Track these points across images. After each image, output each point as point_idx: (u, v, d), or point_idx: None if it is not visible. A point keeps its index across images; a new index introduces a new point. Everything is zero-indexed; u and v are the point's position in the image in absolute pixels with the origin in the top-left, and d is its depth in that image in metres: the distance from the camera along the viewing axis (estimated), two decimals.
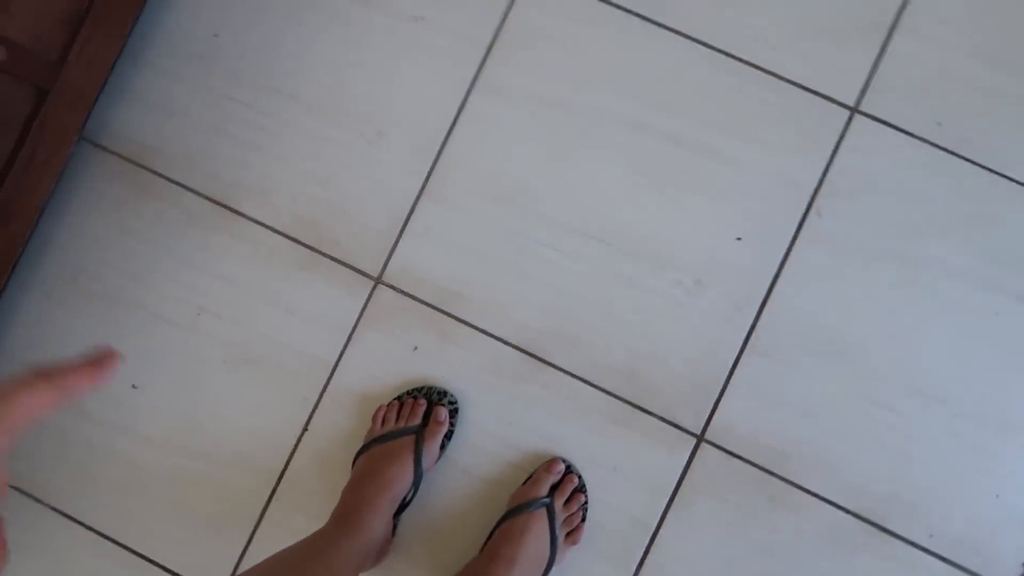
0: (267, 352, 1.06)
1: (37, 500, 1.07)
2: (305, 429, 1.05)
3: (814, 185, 1.02)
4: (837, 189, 1.02)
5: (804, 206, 1.02)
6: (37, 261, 1.10)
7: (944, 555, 0.97)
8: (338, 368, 1.05)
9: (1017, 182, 1.00)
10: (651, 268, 1.03)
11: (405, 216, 1.06)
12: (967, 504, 0.98)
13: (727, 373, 1.01)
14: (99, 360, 0.39)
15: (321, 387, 1.05)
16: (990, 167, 1.00)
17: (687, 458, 1.01)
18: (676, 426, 1.01)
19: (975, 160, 1.00)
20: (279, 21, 1.09)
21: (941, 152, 1.01)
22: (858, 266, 1.01)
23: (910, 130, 1.02)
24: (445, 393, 1.02)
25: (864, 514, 0.98)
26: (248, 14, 1.10)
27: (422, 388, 1.02)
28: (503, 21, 1.07)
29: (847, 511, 0.99)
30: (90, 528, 1.06)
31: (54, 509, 1.07)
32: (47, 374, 0.38)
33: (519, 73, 1.06)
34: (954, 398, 0.99)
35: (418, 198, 1.06)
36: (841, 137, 1.03)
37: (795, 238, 1.02)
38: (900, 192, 1.01)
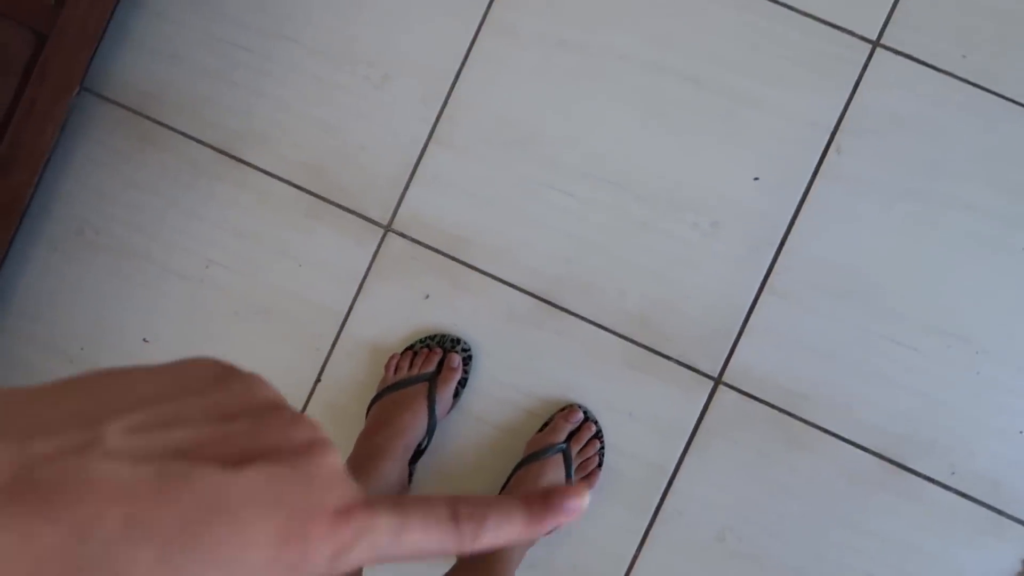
0: (277, 303, 1.05)
1: None
2: (318, 380, 1.04)
3: (834, 123, 1.00)
4: (858, 126, 0.99)
5: (823, 145, 1.00)
6: (43, 213, 1.08)
7: (966, 492, 0.96)
8: (349, 318, 1.04)
9: None
10: (666, 211, 1.01)
11: (414, 162, 1.04)
12: (989, 441, 0.97)
13: (744, 315, 1.00)
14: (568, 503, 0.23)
15: (333, 337, 1.04)
16: (1015, 99, 0.97)
17: (704, 401, 1.00)
18: (693, 369, 1.00)
19: (1001, 93, 0.97)
20: None
21: (966, 85, 0.98)
22: (878, 205, 0.99)
23: (934, 63, 0.99)
24: (458, 341, 1.00)
25: (884, 453, 0.97)
26: None
27: (435, 336, 1.01)
28: None
29: (867, 450, 0.97)
30: None
31: None
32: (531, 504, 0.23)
33: (530, 12, 1.03)
34: (976, 336, 0.97)
35: (427, 144, 1.04)
36: (862, 72, 1.00)
37: (814, 177, 1.00)
38: (923, 129, 0.98)
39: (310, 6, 1.06)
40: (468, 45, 1.04)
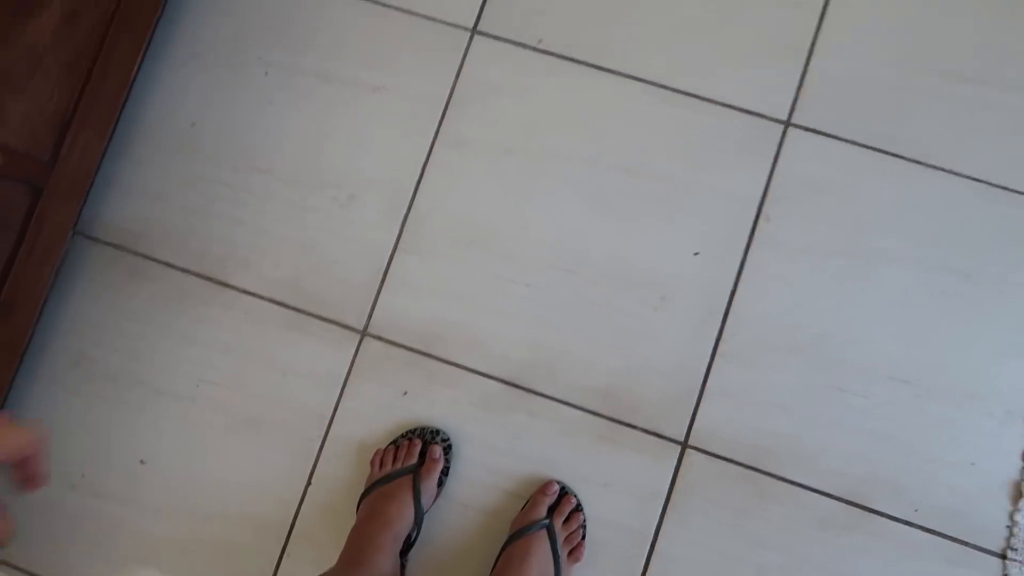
0: (266, 413, 1.11)
1: None
2: (309, 483, 1.09)
3: (760, 195, 1.10)
4: (781, 196, 1.09)
5: (753, 216, 1.10)
6: (42, 350, 1.16)
7: (931, 527, 1.01)
8: (334, 420, 1.10)
9: (941, 169, 1.07)
10: (618, 290, 1.09)
11: (383, 269, 1.13)
12: (945, 476, 1.02)
13: (702, 380, 1.07)
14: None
15: (320, 440, 1.10)
16: (915, 159, 1.08)
17: (675, 465, 1.05)
18: (660, 436, 1.06)
19: (901, 155, 1.08)
20: (251, 106, 1.18)
21: (870, 151, 1.09)
22: (810, 265, 1.08)
23: (839, 135, 1.10)
24: (438, 432, 1.07)
25: (849, 497, 1.03)
26: (223, 102, 1.19)
27: (415, 429, 1.07)
28: (456, 80, 1.16)
29: (833, 496, 1.03)
30: None
31: None
32: None
33: (476, 125, 1.15)
34: (917, 377, 1.05)
35: (394, 251, 1.13)
36: (779, 149, 1.11)
37: (748, 246, 1.09)
38: (839, 192, 1.09)
39: (280, 140, 1.17)
40: (424, 159, 1.15)
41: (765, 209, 1.10)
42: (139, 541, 1.11)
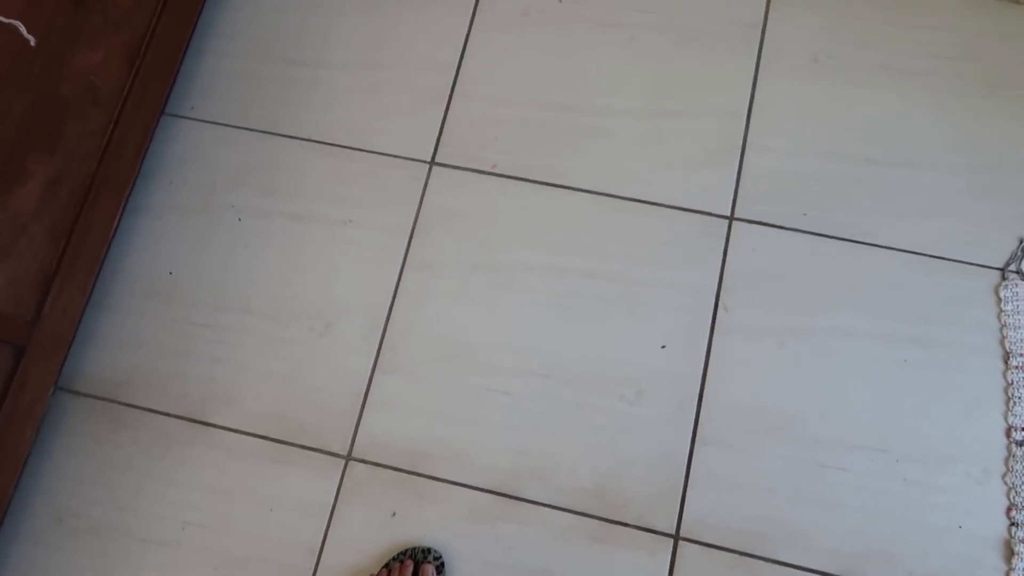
0: (254, 551, 1.10)
1: None
2: None
3: (715, 286, 1.16)
4: (735, 285, 1.16)
5: (712, 305, 1.15)
6: (22, 509, 1.14)
7: None
8: (324, 550, 1.09)
9: (879, 246, 1.15)
10: (594, 390, 1.13)
11: (364, 393, 1.15)
12: (936, 542, 1.03)
13: (685, 469, 1.08)
14: None
15: (311, 571, 1.08)
16: (855, 239, 1.16)
17: (669, 559, 1.05)
18: (652, 531, 1.06)
19: (841, 236, 1.16)
20: (225, 249, 1.24)
21: (811, 235, 1.16)
22: (772, 347, 1.13)
23: (781, 224, 1.18)
24: (429, 551, 1.06)
25: (844, 574, 1.02)
26: (197, 249, 1.24)
27: (407, 550, 1.06)
28: (419, 209, 1.23)
29: (828, 575, 1.03)
30: None
31: None
32: None
33: (441, 248, 1.21)
34: (891, 445, 1.07)
35: (372, 374, 1.16)
36: (727, 242, 1.18)
37: (712, 334, 1.14)
38: (789, 276, 1.15)
39: (255, 279, 1.22)
40: (395, 284, 1.20)
41: (722, 298, 1.15)
42: None
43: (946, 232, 1.15)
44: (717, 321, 1.14)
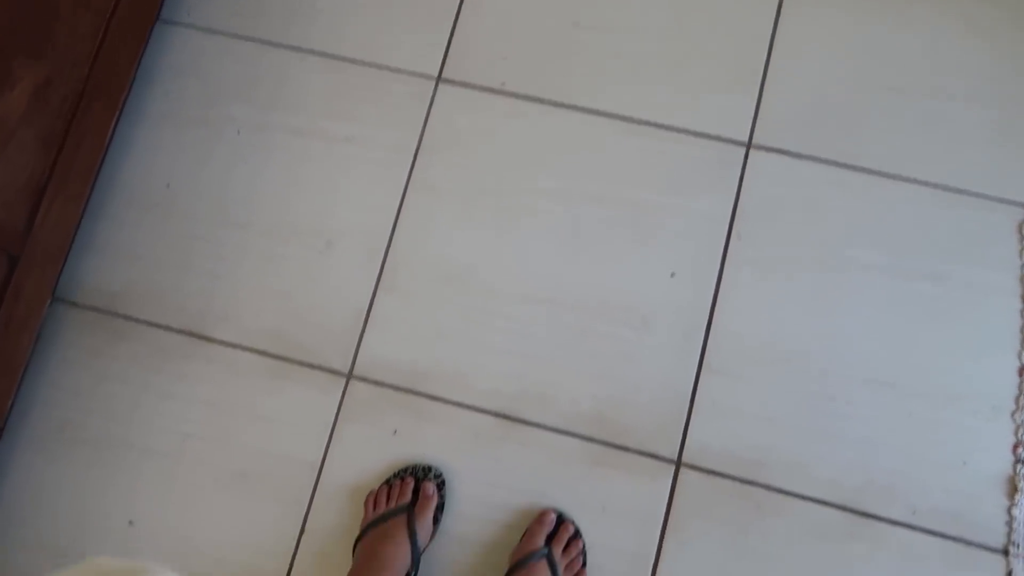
0: (254, 465, 1.10)
1: None
2: (302, 531, 1.07)
3: (729, 215, 1.13)
4: (750, 214, 1.12)
5: (725, 234, 1.12)
6: (23, 419, 1.14)
7: (931, 528, 1.01)
8: (325, 466, 1.09)
9: (900, 178, 1.11)
10: (599, 316, 1.11)
11: (365, 312, 1.13)
12: (939, 477, 1.03)
13: (689, 398, 1.07)
14: None
15: (311, 488, 1.08)
16: (877, 170, 1.12)
17: (670, 485, 1.05)
18: (654, 456, 1.06)
19: (861, 167, 1.12)
20: (224, 163, 1.20)
21: (831, 166, 1.12)
22: (785, 278, 1.10)
23: (801, 153, 1.14)
24: (430, 469, 1.05)
25: (847, 504, 1.02)
26: (196, 161, 1.21)
27: (407, 468, 1.06)
28: (424, 127, 1.19)
29: (830, 504, 1.02)
30: None
31: None
32: None
33: (447, 169, 1.17)
34: (901, 381, 1.06)
35: (375, 293, 1.14)
36: (743, 170, 1.14)
37: (723, 264, 1.11)
38: (806, 206, 1.12)
39: (255, 194, 1.19)
40: (398, 205, 1.17)
41: (736, 228, 1.12)
42: None
43: (971, 166, 1.11)
44: (729, 251, 1.12)
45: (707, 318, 1.10)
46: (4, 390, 1.10)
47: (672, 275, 1.11)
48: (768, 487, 1.04)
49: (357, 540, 1.01)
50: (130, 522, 1.09)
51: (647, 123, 1.16)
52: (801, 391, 1.06)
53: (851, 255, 1.10)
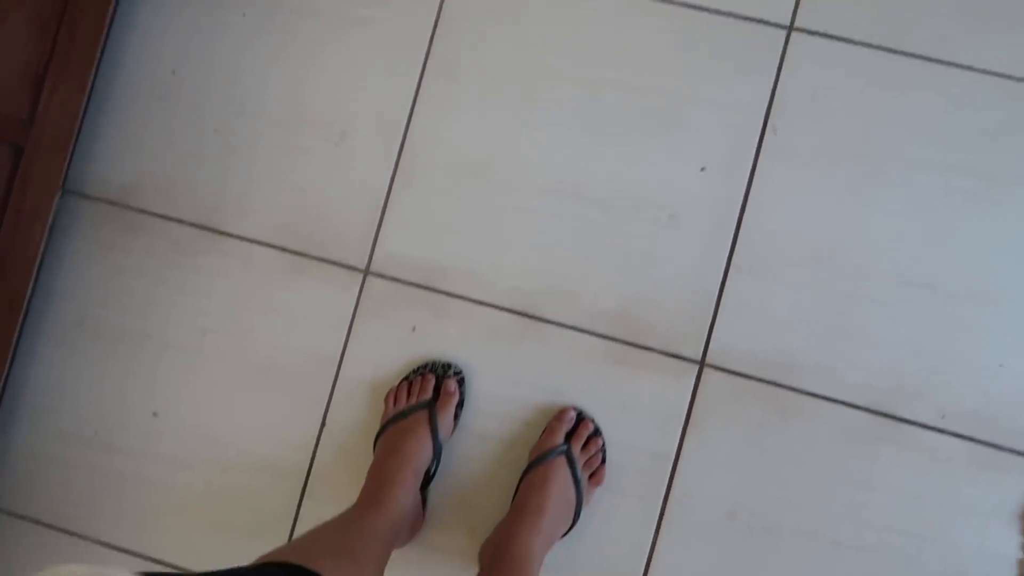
0: (274, 359, 1.09)
1: (82, 536, 1.10)
2: (323, 425, 1.08)
3: (765, 105, 1.05)
4: (788, 104, 1.05)
5: (760, 127, 1.05)
6: (42, 313, 1.14)
7: (960, 432, 0.99)
8: (343, 362, 1.08)
9: (955, 65, 1.03)
10: (624, 211, 1.06)
11: (381, 206, 1.10)
12: (973, 380, 1.00)
13: (716, 297, 1.04)
14: None
15: (331, 383, 1.08)
16: (929, 56, 1.03)
17: (693, 385, 1.03)
18: (677, 356, 1.04)
19: (912, 52, 1.03)
20: (232, 50, 1.14)
21: (879, 51, 1.04)
22: (822, 173, 1.04)
23: (846, 36, 1.05)
24: (450, 366, 1.04)
25: (874, 407, 1.00)
26: (202, 47, 1.15)
27: (427, 364, 1.05)
28: (440, 8, 1.11)
29: (857, 407, 1.00)
30: (137, 554, 1.09)
31: (100, 542, 1.10)
32: None
33: (464, 52, 1.10)
34: (939, 281, 1.01)
35: (391, 187, 1.10)
36: (783, 56, 1.06)
37: (757, 158, 1.05)
38: (849, 96, 1.04)
39: (264, 81, 1.13)
40: (414, 91, 1.11)
41: (772, 119, 1.05)
42: (159, 493, 1.10)
43: None
44: (764, 143, 1.05)
45: (737, 214, 1.05)
46: (21, 283, 1.10)
47: (702, 169, 1.06)
48: (794, 389, 1.01)
49: (378, 435, 1.01)
50: (154, 414, 1.11)
51: (681, 3, 1.07)
52: (833, 291, 1.02)
53: (896, 149, 1.03)
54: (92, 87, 1.13)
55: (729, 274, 1.04)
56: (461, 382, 1.03)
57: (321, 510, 1.06)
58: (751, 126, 1.06)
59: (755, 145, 1.05)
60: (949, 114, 1.03)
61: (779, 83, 1.06)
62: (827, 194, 1.04)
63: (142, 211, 1.13)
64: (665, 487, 1.02)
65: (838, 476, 1.00)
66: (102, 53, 1.13)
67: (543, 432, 1.01)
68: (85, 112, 1.13)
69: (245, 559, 1.04)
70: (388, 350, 1.07)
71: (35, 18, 1.04)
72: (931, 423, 1.00)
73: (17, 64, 1.03)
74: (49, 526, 1.12)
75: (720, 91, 1.06)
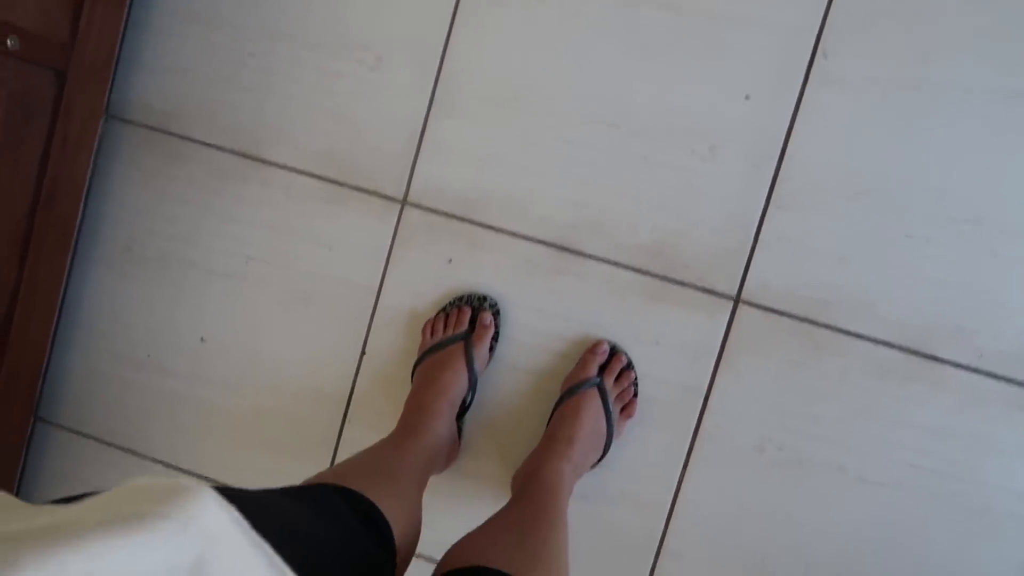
0: (315, 287, 1.12)
1: (138, 454, 1.18)
2: (363, 353, 1.11)
3: (816, 28, 1.00)
4: (840, 26, 1.00)
5: (809, 51, 1.00)
6: (92, 237, 1.17)
7: (997, 372, 0.98)
8: (382, 291, 1.11)
9: None
10: (664, 142, 1.04)
11: (419, 135, 1.09)
12: (1013, 319, 0.98)
13: (754, 232, 1.02)
14: None
15: (370, 312, 1.11)
16: None
17: (727, 321, 1.03)
18: (712, 292, 1.03)
19: None
20: None
21: None
22: (873, 101, 0.99)
23: None
24: (485, 298, 1.06)
25: (910, 346, 0.99)
26: None
27: (463, 296, 1.06)
28: None
29: (892, 345, 1.00)
30: (188, 471, 1.17)
31: (154, 459, 1.18)
32: None
33: None
34: (988, 217, 0.98)
35: (427, 115, 1.09)
36: None
37: (804, 85, 1.01)
38: (905, 16, 0.98)
39: (302, 4, 1.11)
40: (451, 14, 1.07)
41: (822, 43, 1.00)
42: (208, 413, 1.16)
43: None
44: (813, 69, 1.00)
45: (781, 145, 1.01)
46: (71, 208, 1.13)
47: (747, 97, 1.02)
48: (830, 327, 1.01)
49: (415, 365, 1.04)
50: (201, 339, 1.15)
51: None
52: (877, 227, 1.00)
53: (953, 74, 0.98)
54: (130, 7, 1.12)
55: (769, 209, 1.02)
56: (496, 315, 1.05)
57: (361, 435, 1.11)
58: (800, 50, 1.01)
59: (804, 71, 1.01)
60: (1012, 35, 0.96)
61: (832, 3, 1.00)
62: (876, 124, 1.00)
63: (184, 137, 1.15)
64: (695, 422, 1.04)
65: (869, 413, 1.01)
66: None
67: (576, 364, 1.03)
68: (124, 35, 1.13)
69: (290, 479, 1.11)
70: (425, 281, 1.09)
71: None
72: (967, 363, 0.99)
73: None
74: (107, 443, 1.19)
75: (768, 11, 1.01)
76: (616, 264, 1.05)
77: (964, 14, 0.97)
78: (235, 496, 0.41)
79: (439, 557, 0.72)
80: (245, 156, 1.13)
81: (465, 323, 1.03)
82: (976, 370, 0.98)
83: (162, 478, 0.44)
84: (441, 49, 1.08)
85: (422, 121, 1.09)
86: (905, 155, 0.99)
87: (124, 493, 0.37)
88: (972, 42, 0.97)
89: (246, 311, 1.14)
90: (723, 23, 1.02)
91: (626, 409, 1.02)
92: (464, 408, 1.03)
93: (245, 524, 0.38)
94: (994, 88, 0.97)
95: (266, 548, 0.39)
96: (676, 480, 1.04)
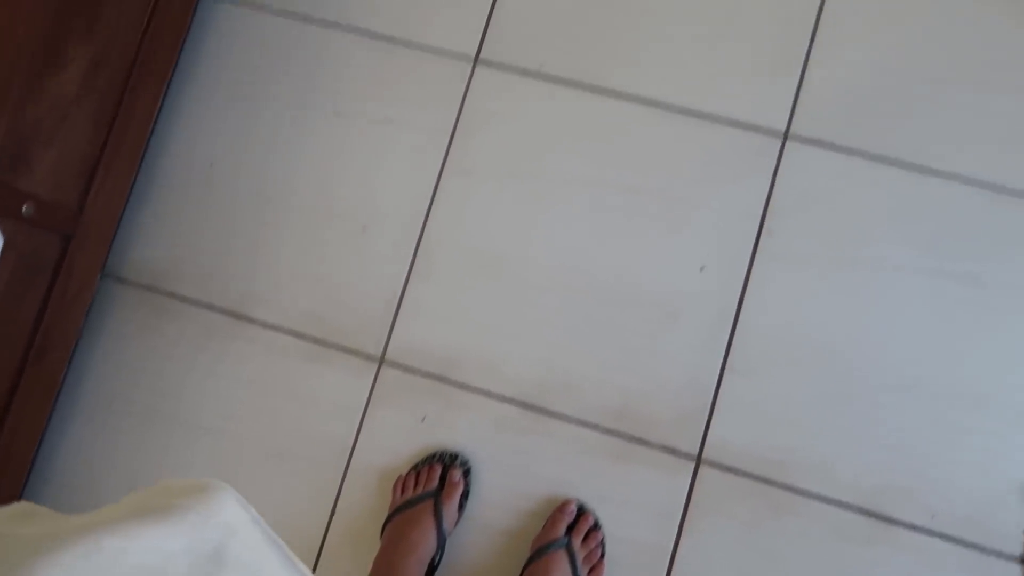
0: (290, 444, 1.15)
1: None
2: (333, 511, 1.13)
3: (761, 209, 1.11)
4: (782, 209, 1.11)
5: (756, 228, 1.11)
6: (75, 391, 1.21)
7: (949, 534, 1.02)
8: (356, 448, 1.14)
9: (943, 174, 1.08)
10: (627, 308, 1.12)
11: (398, 298, 1.16)
12: (960, 481, 1.03)
13: (712, 395, 1.08)
14: None
15: (343, 469, 1.13)
16: (916, 165, 1.09)
17: (689, 481, 1.07)
18: (674, 452, 1.08)
19: (902, 160, 1.09)
20: (266, 144, 1.23)
21: (870, 160, 1.10)
22: (815, 276, 1.09)
23: (838, 145, 1.11)
24: (456, 456, 1.09)
25: (865, 507, 1.03)
26: (238, 143, 1.23)
27: (435, 454, 1.10)
28: (460, 111, 1.19)
29: (848, 506, 1.04)
30: None
31: None
32: None
33: (481, 153, 1.18)
34: (925, 383, 1.05)
35: (407, 279, 1.17)
36: (778, 162, 1.12)
37: (753, 259, 1.11)
38: (840, 202, 1.10)
39: (295, 175, 1.21)
40: (432, 189, 1.18)
41: (767, 222, 1.11)
42: None
43: (1015, 163, 1.08)
44: (760, 245, 1.11)
45: (734, 315, 1.10)
46: (58, 361, 1.17)
47: (701, 269, 1.11)
48: (787, 487, 1.05)
49: (385, 523, 1.06)
50: None
51: (683, 111, 1.15)
52: (825, 392, 1.07)
53: (884, 253, 1.08)
54: (135, 181, 1.21)
55: (725, 372, 1.09)
56: (467, 472, 1.08)
57: None
58: (748, 228, 1.12)
59: (751, 247, 1.11)
60: (937, 221, 1.08)
61: (774, 188, 1.12)
62: (820, 296, 1.09)
63: (175, 296, 1.21)
64: None
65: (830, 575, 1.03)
66: (147, 146, 1.22)
67: (545, 524, 1.05)
68: (127, 203, 1.22)
69: None
70: (399, 438, 1.13)
71: (93, 114, 1.13)
72: (922, 524, 1.03)
73: (74, 158, 1.12)
74: None
75: (719, 194, 1.13)
76: (584, 424, 1.10)
77: (888, 202, 1.08)
78: None
79: None
80: (232, 315, 1.19)
81: (435, 481, 1.06)
82: (929, 532, 1.02)
83: (189, 478, 0.48)
84: (422, 220, 1.18)
85: (402, 285, 1.17)
86: (848, 324, 1.08)
87: (155, 490, 0.41)
88: (896, 226, 1.08)
89: (222, 466, 1.16)
90: (679, 203, 1.13)
91: (594, 571, 1.03)
92: (432, 567, 1.03)
93: (262, 522, 0.43)
94: (923, 267, 1.07)
95: (282, 545, 0.43)
96: None
